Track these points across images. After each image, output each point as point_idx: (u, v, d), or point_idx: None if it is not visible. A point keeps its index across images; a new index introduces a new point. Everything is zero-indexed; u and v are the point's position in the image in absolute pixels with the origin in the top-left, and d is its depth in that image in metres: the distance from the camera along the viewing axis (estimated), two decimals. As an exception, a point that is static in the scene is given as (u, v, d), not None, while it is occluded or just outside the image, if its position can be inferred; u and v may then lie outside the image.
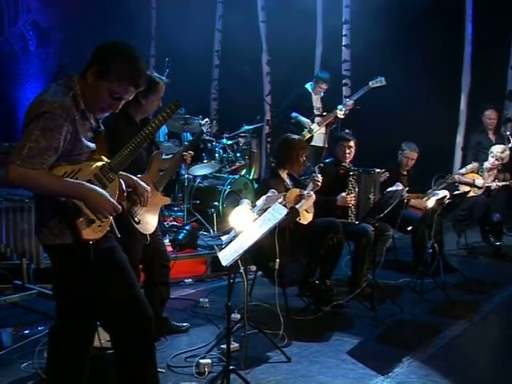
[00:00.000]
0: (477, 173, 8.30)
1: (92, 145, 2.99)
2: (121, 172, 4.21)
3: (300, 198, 5.67)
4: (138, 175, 4.33)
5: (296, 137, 6.00)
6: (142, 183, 4.30)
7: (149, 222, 4.48)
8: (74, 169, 2.89)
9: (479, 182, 8.15)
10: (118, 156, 3.17)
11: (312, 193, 5.74)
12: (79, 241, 2.90)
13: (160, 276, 4.79)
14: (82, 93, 2.87)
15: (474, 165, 8.44)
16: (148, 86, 4.33)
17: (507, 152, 8.28)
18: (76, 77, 2.91)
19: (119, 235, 3.27)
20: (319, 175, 5.86)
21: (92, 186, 2.91)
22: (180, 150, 5.01)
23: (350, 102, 8.86)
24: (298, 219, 5.56)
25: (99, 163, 3.01)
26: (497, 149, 8.26)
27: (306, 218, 5.74)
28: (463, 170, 8.32)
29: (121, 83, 2.86)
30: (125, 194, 3.14)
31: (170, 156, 5.07)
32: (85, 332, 3.22)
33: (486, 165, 8.28)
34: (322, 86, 9.10)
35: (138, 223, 4.35)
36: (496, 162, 8.21)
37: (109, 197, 2.95)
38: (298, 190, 5.77)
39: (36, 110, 2.75)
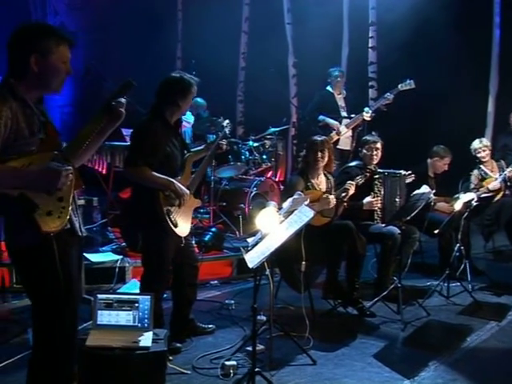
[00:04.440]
0: (483, 180, 7.75)
1: (39, 134, 2.98)
2: (163, 176, 4.27)
3: (318, 199, 5.66)
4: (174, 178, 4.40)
5: (314, 137, 5.95)
6: (182, 186, 4.39)
7: (184, 224, 4.53)
8: (24, 162, 2.86)
9: (492, 185, 7.63)
10: (69, 144, 3.14)
11: (332, 197, 5.68)
12: (40, 234, 2.87)
13: (188, 277, 4.82)
14: (17, 87, 2.94)
15: (474, 175, 7.85)
16: (184, 89, 4.47)
17: (484, 139, 7.95)
18: (9, 78, 2.98)
19: (83, 234, 3.19)
20: (353, 185, 5.80)
21: (36, 167, 2.88)
22: (215, 140, 5.05)
23: (378, 103, 8.70)
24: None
25: (50, 154, 2.97)
26: (474, 144, 7.80)
27: (321, 221, 5.68)
28: (472, 186, 7.75)
29: (59, 48, 3.03)
30: (79, 183, 3.07)
31: (203, 146, 5.11)
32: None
33: (481, 166, 7.78)
34: (338, 81, 9.09)
35: (176, 226, 4.38)
36: (483, 154, 7.74)
37: (55, 166, 2.90)
38: (316, 191, 5.76)
39: None
